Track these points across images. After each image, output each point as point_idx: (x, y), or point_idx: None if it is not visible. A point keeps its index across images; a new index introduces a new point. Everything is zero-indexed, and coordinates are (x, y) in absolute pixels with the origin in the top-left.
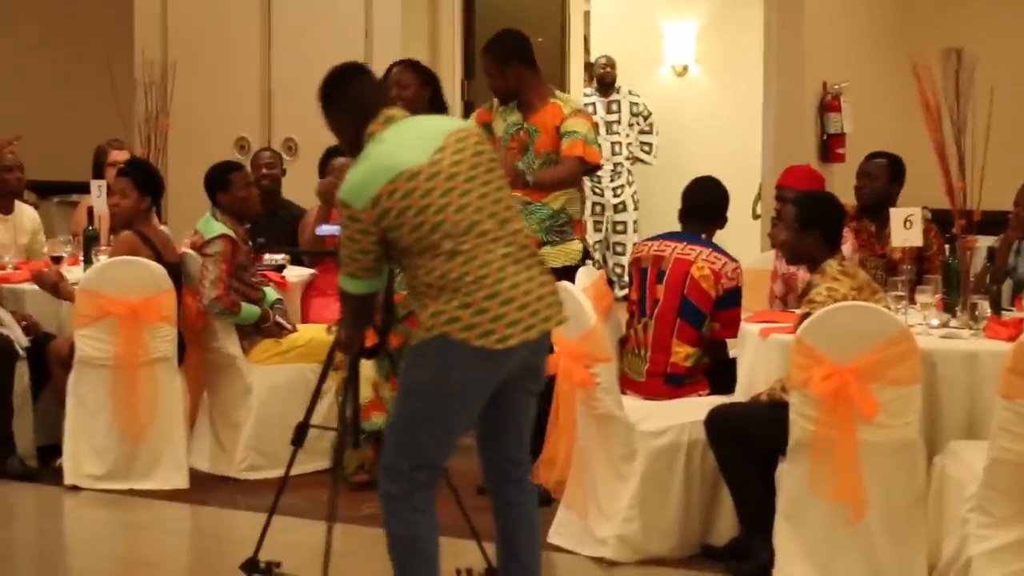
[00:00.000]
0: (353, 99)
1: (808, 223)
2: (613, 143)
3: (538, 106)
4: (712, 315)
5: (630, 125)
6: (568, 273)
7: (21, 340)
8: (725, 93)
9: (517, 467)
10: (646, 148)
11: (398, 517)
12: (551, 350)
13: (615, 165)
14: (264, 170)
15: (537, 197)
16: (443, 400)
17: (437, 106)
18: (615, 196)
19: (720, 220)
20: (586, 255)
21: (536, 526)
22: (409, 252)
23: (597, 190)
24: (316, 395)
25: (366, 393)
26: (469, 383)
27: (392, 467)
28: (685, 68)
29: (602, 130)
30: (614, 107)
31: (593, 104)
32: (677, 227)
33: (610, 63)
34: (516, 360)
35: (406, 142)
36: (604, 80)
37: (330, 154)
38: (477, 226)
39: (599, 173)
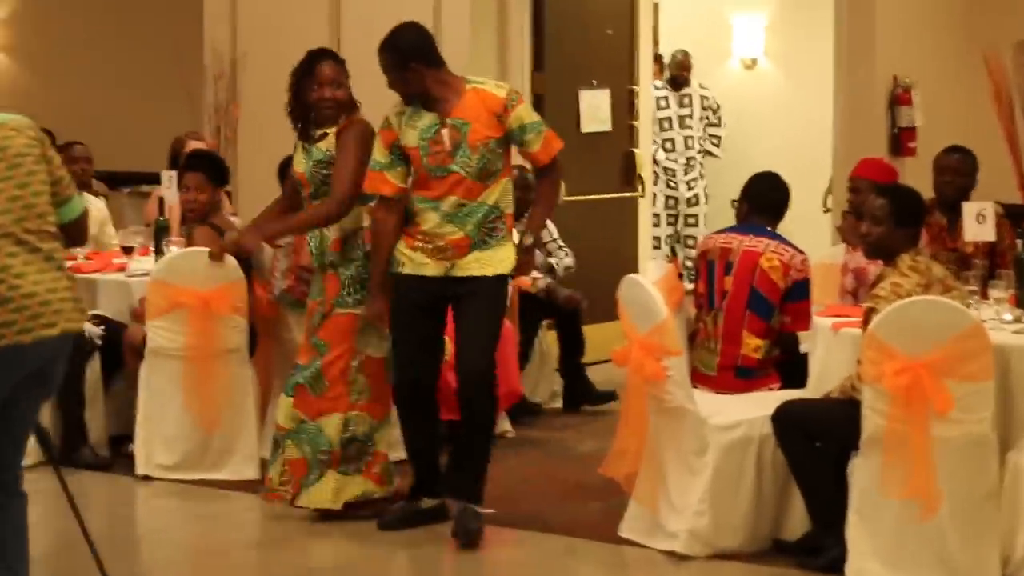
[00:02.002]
0: None
1: (905, 220)
2: (686, 137)
3: (455, 100)
4: (781, 307)
5: (700, 119)
6: (500, 284)
7: (94, 332)
8: (794, 87)
9: (9, 471)
10: (714, 141)
11: None
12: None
13: (688, 159)
14: None
15: (473, 196)
16: None
17: None
18: (689, 190)
19: (783, 214)
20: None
21: (24, 531)
22: None
23: (672, 183)
24: None
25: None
26: None
27: None
28: (754, 61)
29: (675, 124)
30: (686, 101)
31: (665, 98)
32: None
33: (687, 59)
34: (26, 363)
35: None
36: (680, 77)
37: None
38: None
39: (673, 167)
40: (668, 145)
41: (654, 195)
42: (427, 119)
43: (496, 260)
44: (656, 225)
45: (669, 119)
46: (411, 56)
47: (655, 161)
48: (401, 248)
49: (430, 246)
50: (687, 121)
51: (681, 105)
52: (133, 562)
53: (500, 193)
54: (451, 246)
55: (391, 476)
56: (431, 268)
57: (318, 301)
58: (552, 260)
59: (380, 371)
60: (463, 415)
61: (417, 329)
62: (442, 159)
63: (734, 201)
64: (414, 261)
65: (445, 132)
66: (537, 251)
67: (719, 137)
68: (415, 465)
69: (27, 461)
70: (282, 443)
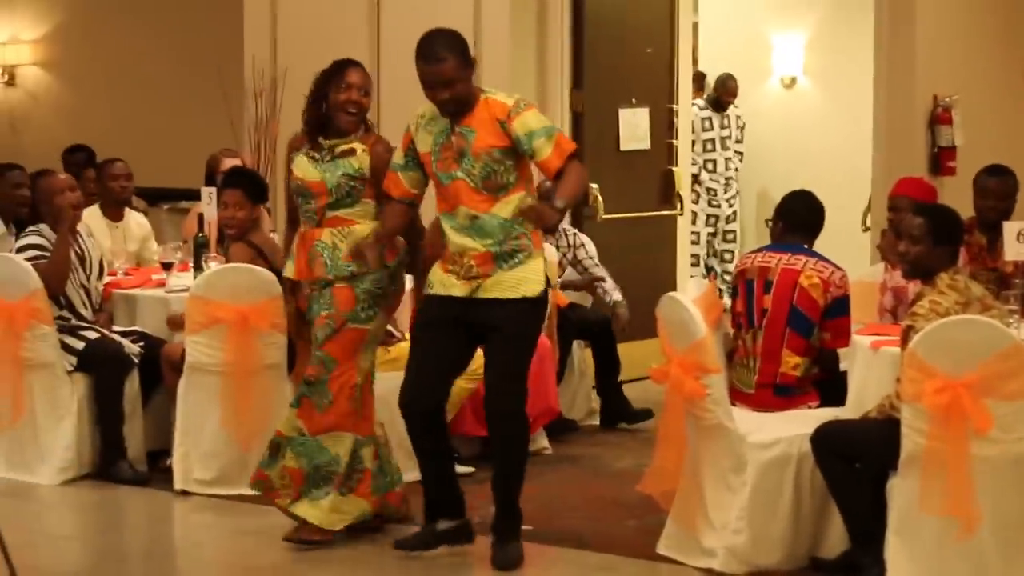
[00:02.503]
0: None
1: (943, 238)
2: (727, 158)
3: (470, 109)
4: (821, 325)
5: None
6: (530, 310)
7: (132, 349)
8: (833, 105)
9: None
10: (739, 158)
11: None
12: None
13: (727, 179)
14: None
15: (482, 208)
16: None
17: None
18: (729, 207)
19: (818, 232)
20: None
21: None
22: None
23: (714, 203)
24: None
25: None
26: None
27: None
28: (793, 80)
29: (717, 145)
30: (726, 122)
31: (709, 119)
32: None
33: (733, 83)
34: None
35: None
36: (724, 100)
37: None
38: None
39: (715, 187)
40: (710, 166)
41: (694, 214)
42: (441, 124)
43: (522, 281)
44: (695, 243)
45: (713, 140)
46: (469, 58)
47: (698, 181)
48: (435, 270)
49: (460, 268)
50: (727, 142)
51: (723, 126)
52: None
53: (517, 205)
54: (475, 263)
55: (382, 495)
56: (458, 289)
57: (326, 315)
58: (599, 291)
59: (369, 391)
60: (494, 452)
61: (433, 349)
62: (448, 165)
63: (768, 220)
64: (443, 283)
65: (454, 139)
66: (572, 268)
67: (742, 153)
68: (426, 487)
69: (66, 476)
70: (283, 449)
